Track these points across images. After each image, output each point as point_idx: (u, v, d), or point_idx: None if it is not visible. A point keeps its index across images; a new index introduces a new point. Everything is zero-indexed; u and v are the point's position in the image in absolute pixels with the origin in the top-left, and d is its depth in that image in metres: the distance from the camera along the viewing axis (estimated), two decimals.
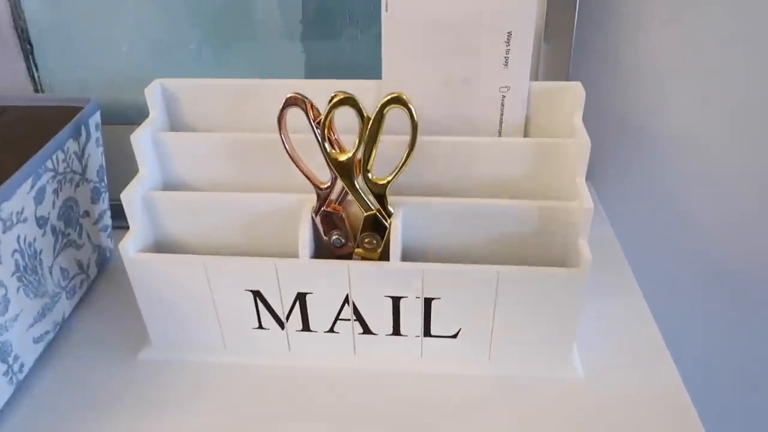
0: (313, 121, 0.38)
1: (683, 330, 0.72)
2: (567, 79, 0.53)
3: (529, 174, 0.41)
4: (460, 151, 0.41)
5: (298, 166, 0.39)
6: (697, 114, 0.60)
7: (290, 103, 0.38)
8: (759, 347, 0.73)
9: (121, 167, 0.50)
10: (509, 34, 0.40)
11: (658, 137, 0.62)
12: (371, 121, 0.36)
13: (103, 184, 0.51)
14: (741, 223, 0.65)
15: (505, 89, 0.41)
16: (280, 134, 0.38)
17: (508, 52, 0.40)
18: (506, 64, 0.41)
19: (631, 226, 0.66)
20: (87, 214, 0.49)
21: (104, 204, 0.52)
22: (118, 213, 0.53)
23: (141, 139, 0.41)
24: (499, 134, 0.43)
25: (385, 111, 0.36)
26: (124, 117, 0.54)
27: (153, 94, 0.44)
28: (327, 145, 0.37)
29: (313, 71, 0.55)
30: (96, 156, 0.49)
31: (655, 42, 0.57)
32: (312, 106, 0.38)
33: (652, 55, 0.57)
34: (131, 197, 0.40)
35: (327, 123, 0.37)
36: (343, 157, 0.37)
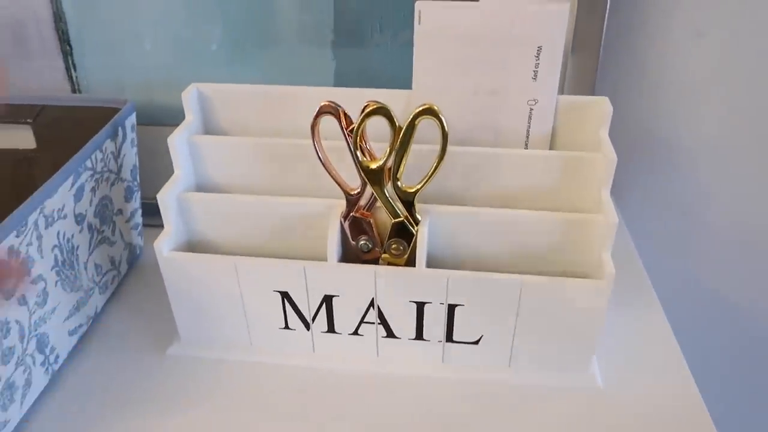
0: (346, 129, 0.39)
1: (702, 344, 0.72)
2: (593, 92, 0.53)
3: (554, 186, 0.42)
4: (487, 162, 0.42)
5: (329, 172, 0.40)
6: (723, 129, 0.60)
7: (324, 111, 0.39)
8: None
9: (152, 167, 0.52)
10: (539, 48, 0.40)
11: (681, 152, 0.62)
12: (403, 131, 0.37)
13: (136, 183, 0.53)
14: (765, 240, 0.65)
15: (533, 102, 0.42)
16: (313, 141, 0.39)
17: (537, 66, 0.41)
18: (535, 77, 0.41)
19: (653, 240, 0.66)
20: (120, 212, 0.51)
21: (136, 203, 0.53)
22: (148, 211, 0.55)
23: (177, 142, 0.43)
24: (526, 146, 0.44)
25: (416, 121, 0.37)
26: (157, 118, 0.56)
27: (189, 98, 0.45)
28: (358, 153, 0.38)
29: (342, 77, 0.56)
30: (131, 156, 0.51)
31: (682, 56, 0.57)
32: (345, 114, 0.39)
33: (678, 69, 0.58)
34: (167, 198, 0.41)
35: (359, 132, 0.38)
36: (373, 165, 0.38)
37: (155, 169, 0.49)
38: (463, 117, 0.43)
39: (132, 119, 0.51)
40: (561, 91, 0.54)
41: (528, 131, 0.43)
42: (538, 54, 0.41)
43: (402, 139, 0.37)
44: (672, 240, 0.67)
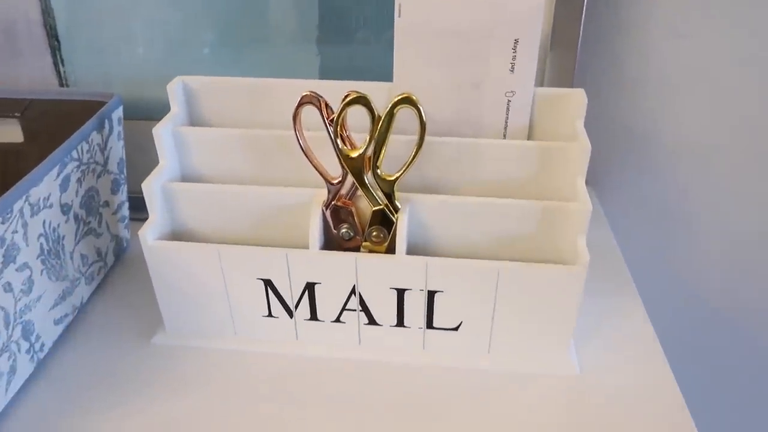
0: (327, 119, 0.40)
1: (679, 332, 0.73)
2: (572, 86, 0.54)
3: (531, 175, 0.43)
4: (466, 152, 0.43)
5: (310, 161, 0.41)
6: (700, 123, 0.62)
7: (305, 101, 0.40)
8: (753, 348, 0.74)
9: (140, 161, 0.53)
10: (516, 41, 0.41)
11: (660, 145, 0.63)
12: (382, 120, 0.38)
13: (122, 176, 0.53)
14: (740, 231, 0.66)
15: (511, 94, 0.43)
16: (295, 130, 0.40)
17: (514, 58, 0.42)
18: (512, 70, 0.42)
19: (632, 231, 0.67)
20: (107, 204, 0.51)
21: (123, 195, 0.54)
22: (135, 205, 0.55)
23: (162, 133, 0.43)
24: (504, 137, 0.45)
25: (395, 110, 0.38)
26: (145, 113, 0.57)
27: (175, 90, 0.46)
28: (339, 142, 0.39)
29: (327, 74, 0.57)
30: (117, 149, 0.52)
31: (659, 54, 0.58)
32: (326, 104, 0.40)
33: (656, 65, 0.59)
34: (151, 187, 0.42)
35: (339, 121, 0.39)
36: (354, 154, 0.39)
37: (143, 163, 0.50)
38: (443, 109, 0.44)
39: (119, 112, 0.51)
40: (540, 86, 0.55)
41: (506, 122, 0.44)
42: (515, 47, 0.42)
43: (381, 128, 0.38)
44: (651, 233, 0.68)
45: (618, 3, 0.56)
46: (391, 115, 0.38)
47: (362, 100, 0.38)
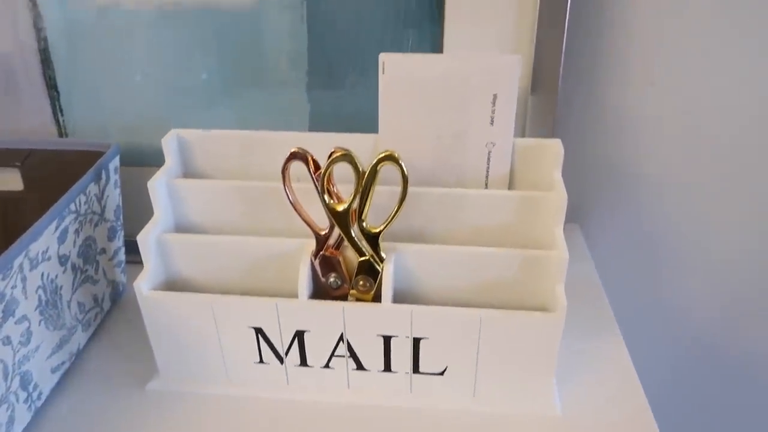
0: (314, 174, 0.42)
1: (660, 370, 0.74)
2: (553, 129, 0.56)
3: (512, 223, 0.45)
4: (449, 202, 0.44)
5: (299, 214, 0.43)
6: (679, 161, 0.64)
7: (293, 156, 0.41)
8: (737, 388, 0.75)
9: (136, 205, 0.55)
10: (495, 95, 0.43)
11: (642, 182, 0.65)
12: (366, 176, 0.40)
13: (119, 222, 0.55)
14: (724, 266, 0.68)
15: (491, 145, 0.45)
16: (284, 186, 0.42)
17: (493, 111, 0.44)
18: (492, 122, 0.44)
19: (616, 267, 0.69)
20: (104, 251, 0.53)
21: (119, 241, 0.56)
22: (132, 249, 0.57)
23: (157, 186, 0.45)
24: (486, 185, 0.47)
25: (378, 167, 0.39)
26: (141, 159, 0.59)
27: (169, 143, 0.48)
28: (326, 196, 0.41)
29: (317, 118, 0.59)
30: (114, 197, 0.53)
31: (635, 99, 0.61)
32: (313, 159, 0.41)
33: (632, 108, 0.61)
34: (146, 239, 0.44)
35: (326, 176, 0.40)
36: (340, 207, 0.41)
37: (139, 207, 0.52)
38: (427, 159, 0.46)
39: (115, 162, 0.53)
40: (523, 130, 0.57)
41: (487, 172, 0.46)
42: (494, 101, 0.44)
43: (365, 184, 0.40)
44: (635, 269, 0.70)
45: (596, 49, 0.58)
46: (374, 171, 0.39)
47: (347, 158, 0.39)
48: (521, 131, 0.56)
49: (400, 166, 0.39)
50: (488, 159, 0.46)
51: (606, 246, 0.68)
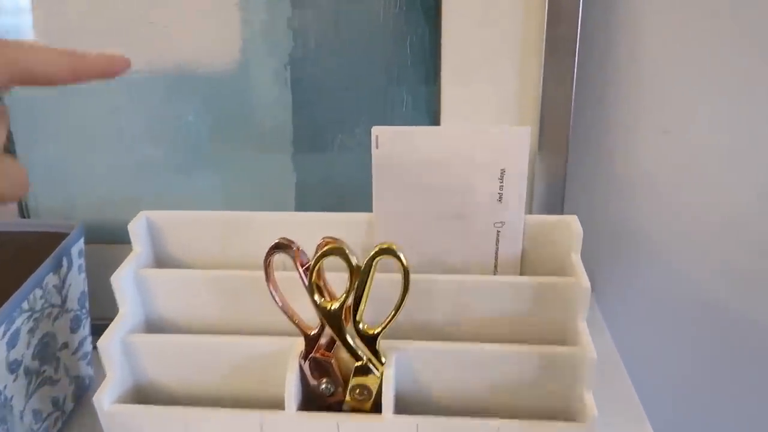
0: (301, 268, 0.36)
1: None
2: (563, 188, 0.52)
3: (527, 314, 0.39)
4: (454, 290, 0.39)
5: (285, 313, 0.37)
6: (691, 216, 0.59)
7: (277, 248, 0.36)
8: None
9: (104, 285, 0.49)
10: (503, 171, 0.39)
11: (654, 240, 0.61)
12: (361, 271, 0.35)
13: (84, 310, 0.49)
14: (742, 326, 0.63)
15: (500, 224, 0.40)
16: (267, 283, 0.36)
17: (501, 188, 0.39)
18: (500, 199, 0.40)
19: (632, 333, 0.64)
20: (65, 345, 0.47)
21: (85, 330, 0.50)
22: (99, 332, 0.51)
23: (122, 280, 0.40)
24: (495, 268, 0.42)
25: (375, 261, 0.34)
26: (110, 235, 0.53)
27: (137, 229, 0.42)
28: (316, 295, 0.35)
29: (304, 187, 0.54)
30: (77, 283, 0.48)
31: (648, 151, 0.57)
32: (299, 251, 0.36)
33: (645, 163, 0.57)
34: (109, 345, 0.38)
35: (315, 271, 0.35)
36: (332, 306, 0.36)
37: (108, 287, 0.46)
38: (428, 241, 0.41)
39: (80, 244, 0.48)
40: (530, 193, 0.52)
41: (496, 254, 0.41)
42: (502, 176, 0.39)
43: (360, 280, 0.35)
44: (650, 330, 0.65)
45: (605, 101, 0.54)
46: (370, 266, 0.34)
47: (338, 252, 0.34)
48: (527, 191, 0.52)
49: (401, 260, 0.34)
50: (497, 240, 0.41)
51: (616, 303, 0.63)
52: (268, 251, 0.36)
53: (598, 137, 0.55)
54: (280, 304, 0.37)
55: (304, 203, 0.53)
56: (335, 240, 0.35)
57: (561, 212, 0.49)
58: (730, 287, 0.61)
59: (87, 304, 0.49)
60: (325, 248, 0.34)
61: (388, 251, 0.34)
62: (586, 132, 0.54)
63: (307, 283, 0.35)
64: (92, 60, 0.27)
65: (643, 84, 0.53)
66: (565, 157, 0.51)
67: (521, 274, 0.42)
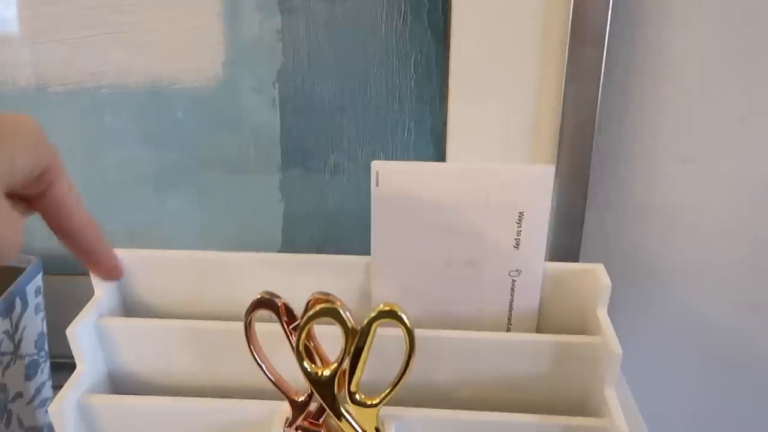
0: (288, 327, 0.31)
1: None
2: (581, 226, 0.47)
3: (545, 377, 0.34)
4: (463, 349, 0.34)
5: (269, 377, 0.32)
6: (713, 246, 0.55)
7: (260, 305, 0.31)
8: None
9: (70, 317, 0.44)
10: (521, 214, 0.34)
11: (672, 271, 0.57)
12: (358, 336, 0.30)
13: (42, 353, 0.44)
14: (761, 356, 0.59)
15: (516, 273, 0.35)
16: (249, 344, 0.31)
17: (519, 233, 0.34)
18: (517, 246, 0.35)
19: (644, 363, 0.60)
20: (19, 395, 0.41)
21: (44, 374, 0.44)
22: (64, 369, 0.46)
23: (79, 333, 0.34)
24: (509, 320, 0.37)
25: (374, 325, 0.29)
26: (73, 265, 0.48)
27: None
28: (305, 362, 0.30)
29: (292, 217, 0.48)
30: (34, 324, 0.42)
31: (668, 179, 0.52)
32: (286, 308, 0.31)
33: (664, 191, 0.53)
34: (61, 410, 0.33)
35: (303, 334, 0.30)
36: (323, 373, 0.31)
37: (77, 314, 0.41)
38: (434, 290, 0.36)
39: (37, 281, 0.42)
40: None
41: (511, 305, 0.36)
42: (520, 220, 0.34)
43: (357, 345, 0.30)
44: (665, 366, 0.60)
45: (624, 130, 0.49)
46: (368, 330, 0.29)
47: (332, 313, 0.29)
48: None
49: (405, 324, 0.29)
50: (512, 290, 0.36)
51: (633, 336, 0.59)
52: (249, 308, 0.31)
53: (615, 166, 0.50)
54: (264, 366, 0.32)
55: (292, 236, 0.47)
56: (327, 297, 0.30)
57: (578, 253, 0.44)
58: (754, 323, 0.57)
59: (46, 346, 0.44)
60: (317, 308, 0.29)
61: (390, 314, 0.29)
62: (602, 161, 0.49)
63: (294, 346, 0.30)
64: (104, 252, 0.28)
65: (665, 109, 0.48)
66: (584, 193, 0.46)
67: (538, 329, 0.37)
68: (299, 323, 0.31)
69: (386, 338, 0.31)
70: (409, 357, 0.30)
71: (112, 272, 0.29)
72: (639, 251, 0.54)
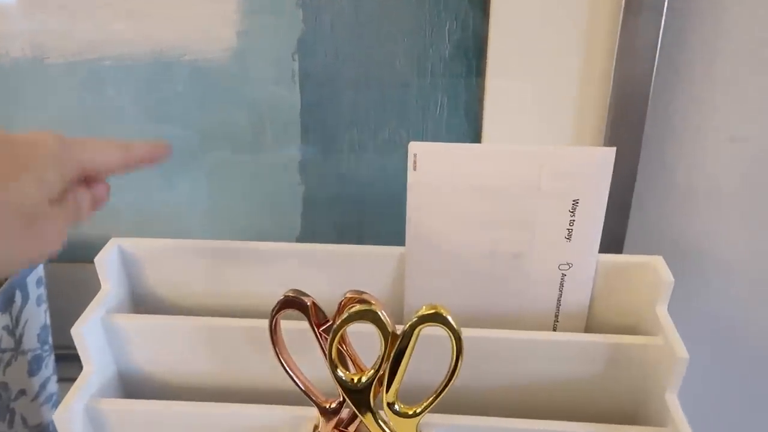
0: (318, 329, 0.28)
1: None
2: (628, 212, 0.43)
3: (596, 380, 0.31)
4: (510, 349, 0.31)
5: (296, 382, 0.29)
6: (758, 239, 0.52)
7: (286, 305, 0.28)
8: None
9: (76, 306, 0.41)
10: (575, 202, 0.30)
11: (714, 263, 0.53)
12: (399, 341, 0.26)
13: (46, 347, 0.41)
14: None
15: (566, 267, 0.32)
16: (274, 347, 0.28)
17: (572, 223, 0.31)
18: (569, 237, 0.31)
19: (694, 364, 0.56)
20: (22, 392, 0.39)
21: (49, 369, 0.42)
22: (69, 360, 0.43)
23: (85, 332, 0.31)
24: (555, 318, 0.33)
25: (417, 330, 0.26)
26: (80, 253, 0.45)
27: (106, 262, 0.34)
28: (339, 369, 0.27)
29: (312, 202, 0.45)
30: (37, 317, 0.39)
31: (716, 161, 0.48)
32: (315, 307, 0.28)
33: (710, 174, 0.49)
34: (69, 416, 0.30)
35: (337, 338, 0.27)
36: (358, 380, 0.28)
37: (80, 309, 0.38)
38: (474, 285, 0.33)
39: (38, 271, 0.39)
40: None
41: (559, 302, 0.33)
42: (574, 209, 0.31)
43: (398, 350, 0.27)
44: (707, 358, 0.57)
45: (672, 110, 0.45)
46: (411, 334, 0.26)
47: (369, 316, 0.26)
48: None
49: (453, 329, 0.26)
50: (561, 285, 0.32)
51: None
52: (275, 308, 0.28)
53: (662, 146, 0.46)
54: (293, 374, 0.29)
55: (311, 222, 0.44)
56: (362, 296, 0.27)
57: (622, 242, 0.41)
58: None
59: (50, 339, 0.41)
60: (352, 311, 0.26)
61: (435, 318, 0.26)
62: (648, 141, 0.45)
63: (327, 352, 0.27)
64: (138, 149, 0.29)
65: (716, 87, 0.44)
66: (633, 178, 0.42)
67: (587, 327, 0.34)
68: (332, 325, 0.28)
69: (423, 338, 0.28)
70: (456, 363, 0.27)
71: (160, 157, 0.30)
72: (685, 240, 0.51)
